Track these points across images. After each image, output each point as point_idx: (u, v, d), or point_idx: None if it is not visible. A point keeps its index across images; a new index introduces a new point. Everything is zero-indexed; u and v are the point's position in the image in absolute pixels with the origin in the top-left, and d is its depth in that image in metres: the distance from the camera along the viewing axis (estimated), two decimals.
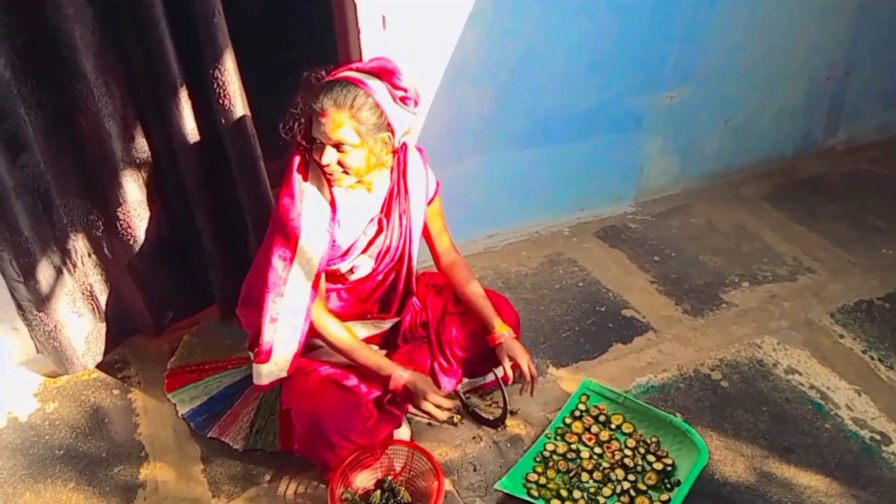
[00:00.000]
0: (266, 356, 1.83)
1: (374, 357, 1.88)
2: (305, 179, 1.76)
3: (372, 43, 2.21)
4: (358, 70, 1.70)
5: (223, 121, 2.03)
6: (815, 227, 2.95)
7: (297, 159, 1.76)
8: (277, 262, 1.76)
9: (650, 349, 2.35)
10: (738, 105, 3.10)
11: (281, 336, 1.82)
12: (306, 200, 1.75)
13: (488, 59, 2.45)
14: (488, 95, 2.53)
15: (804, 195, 3.18)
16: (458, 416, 2.10)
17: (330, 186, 1.77)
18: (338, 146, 1.67)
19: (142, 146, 2.06)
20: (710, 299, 2.57)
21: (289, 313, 1.80)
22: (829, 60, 3.20)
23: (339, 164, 1.69)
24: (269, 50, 3.32)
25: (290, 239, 1.75)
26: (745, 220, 3.02)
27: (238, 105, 2.02)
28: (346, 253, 1.84)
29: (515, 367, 1.95)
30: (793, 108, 3.27)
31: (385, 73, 1.68)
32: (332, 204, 1.78)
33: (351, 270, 1.88)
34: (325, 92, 1.64)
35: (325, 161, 1.68)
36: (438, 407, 1.84)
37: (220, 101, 2.00)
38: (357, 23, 2.17)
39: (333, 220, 1.78)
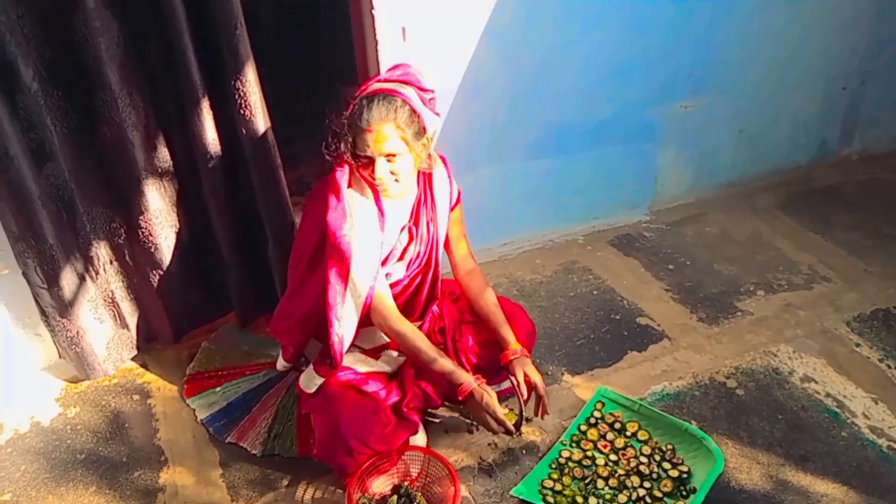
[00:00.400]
0: (339, 366, 1.89)
1: (443, 359, 1.90)
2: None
3: (390, 54, 2.24)
4: (387, 80, 1.74)
5: (244, 131, 2.06)
6: (830, 236, 2.95)
7: (345, 175, 1.79)
8: (335, 278, 1.80)
9: (665, 357, 2.35)
10: (753, 115, 3.11)
11: (345, 344, 1.88)
12: (357, 212, 1.78)
13: (504, 69, 2.48)
14: (504, 105, 2.56)
15: (819, 204, 3.18)
16: (475, 423, 2.11)
17: (377, 197, 1.80)
18: (388, 157, 1.71)
19: (164, 156, 2.10)
20: (724, 307, 2.57)
21: (348, 322, 1.85)
22: (845, 70, 3.20)
23: (391, 173, 1.73)
24: (288, 61, 3.37)
25: (343, 255, 1.78)
26: (760, 228, 3.02)
27: (259, 116, 2.06)
28: (385, 261, 1.89)
29: (528, 383, 1.96)
30: (807, 118, 3.27)
31: (412, 79, 1.73)
32: (381, 211, 1.82)
33: (386, 276, 1.92)
34: (366, 107, 1.67)
35: (379, 174, 1.72)
36: (496, 422, 1.87)
37: (242, 112, 2.03)
38: (375, 34, 2.20)
39: (383, 228, 1.83)
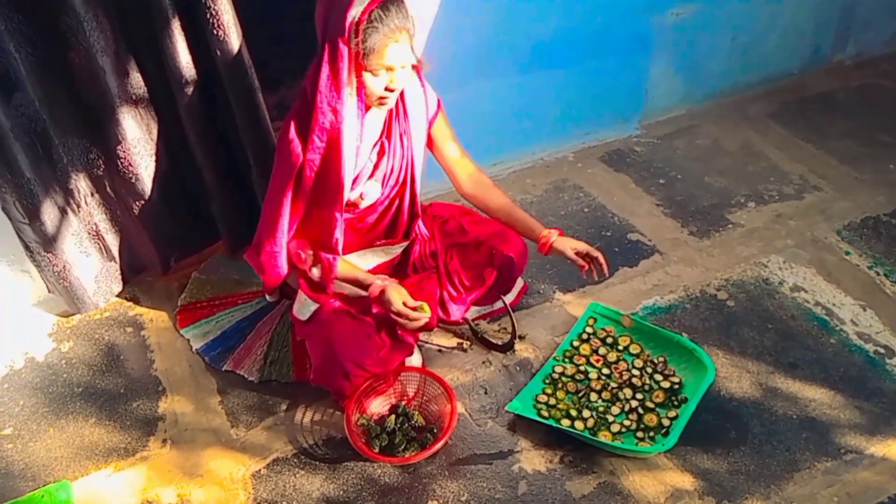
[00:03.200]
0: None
1: (354, 270, 1.88)
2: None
3: None
4: None
5: (218, 52, 1.98)
6: (821, 145, 2.92)
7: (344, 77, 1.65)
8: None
9: (656, 271, 2.36)
10: (745, 21, 3.01)
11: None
12: (347, 123, 1.69)
13: None
14: (489, 19, 2.46)
15: (812, 112, 3.13)
16: (468, 342, 2.13)
17: (362, 112, 1.71)
18: (401, 67, 1.65)
19: (137, 81, 2.02)
20: (716, 220, 2.56)
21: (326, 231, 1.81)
22: None
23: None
24: None
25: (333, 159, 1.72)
26: (752, 139, 2.98)
27: (233, 36, 1.97)
28: (356, 179, 1.83)
29: (580, 253, 1.95)
30: (801, 23, 3.17)
31: None
32: (362, 125, 1.74)
33: (360, 197, 1.87)
34: (387, 16, 1.58)
35: (398, 86, 1.66)
36: (409, 317, 1.81)
37: (215, 32, 1.94)
38: None
39: (360, 142, 1.76)
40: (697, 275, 2.34)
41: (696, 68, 3.04)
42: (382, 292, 1.82)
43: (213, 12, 1.91)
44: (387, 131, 1.84)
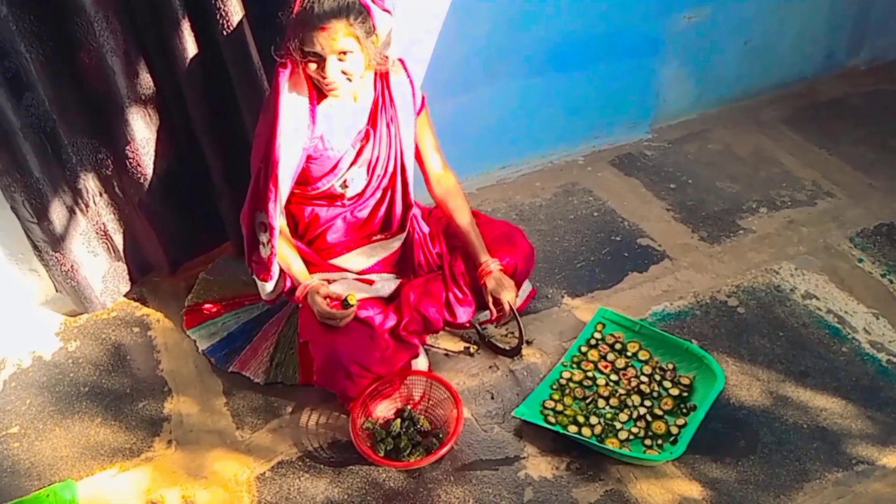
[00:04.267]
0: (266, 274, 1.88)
1: (289, 263, 1.89)
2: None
3: None
4: None
5: (227, 52, 1.98)
6: (835, 151, 2.88)
7: (286, 74, 1.72)
8: (265, 183, 1.78)
9: (666, 277, 2.34)
10: (758, 25, 2.99)
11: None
12: (284, 113, 1.73)
13: None
14: (500, 20, 2.45)
15: (825, 118, 3.09)
16: (475, 347, 2.12)
17: (312, 99, 1.75)
18: (339, 56, 1.66)
19: (146, 82, 2.02)
20: (727, 226, 2.54)
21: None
22: None
23: (342, 72, 1.68)
24: None
25: (270, 152, 1.75)
26: (764, 144, 2.96)
27: (242, 36, 1.96)
28: (335, 167, 1.83)
29: (498, 304, 1.95)
30: (815, 28, 3.14)
31: None
32: (313, 117, 1.77)
33: (345, 185, 1.87)
34: (317, 3, 1.61)
35: (330, 74, 1.67)
36: (335, 317, 1.81)
37: (224, 33, 1.94)
38: None
39: (312, 135, 1.78)
40: (708, 281, 2.32)
41: (708, 72, 3.02)
42: (306, 296, 1.84)
43: (223, 13, 1.91)
44: (372, 120, 1.85)
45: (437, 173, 2.01)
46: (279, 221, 1.84)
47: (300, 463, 1.86)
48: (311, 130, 1.78)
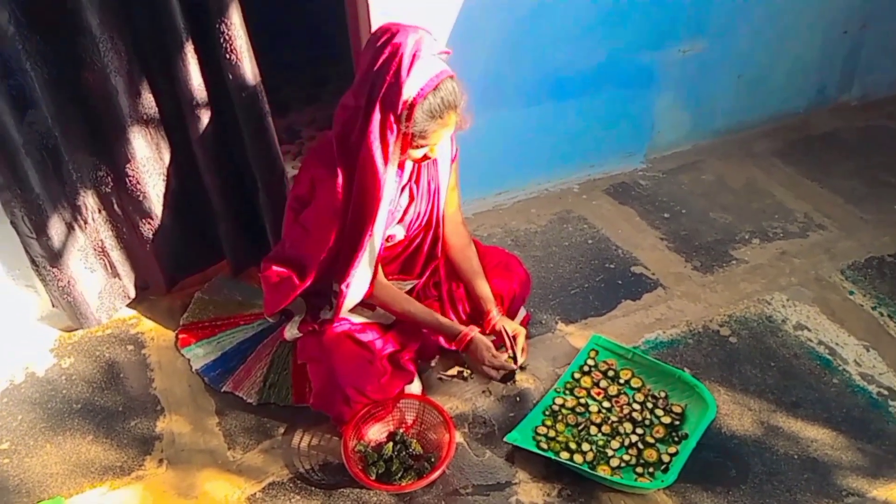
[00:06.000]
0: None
1: (433, 316, 1.94)
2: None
3: None
4: (431, 55, 1.63)
5: (230, 76, 2.01)
6: (826, 184, 2.93)
7: (378, 146, 1.66)
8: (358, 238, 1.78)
9: (659, 305, 2.36)
10: (752, 60, 3.04)
11: (352, 299, 1.87)
12: (388, 185, 1.73)
13: (497, 12, 2.41)
14: (497, 51, 2.49)
15: (817, 151, 3.14)
16: (468, 371, 2.12)
17: (402, 166, 1.77)
18: None
19: (149, 102, 2.05)
20: (719, 256, 2.56)
21: (360, 280, 1.84)
22: (845, 14, 3.12)
23: None
24: (273, 6, 3.27)
25: (368, 215, 1.74)
26: (757, 176, 3.00)
27: (245, 60, 2.00)
28: (386, 224, 1.85)
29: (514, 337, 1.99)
30: (807, 63, 3.21)
31: (442, 48, 1.68)
32: (400, 175, 1.79)
33: (387, 240, 1.90)
34: (439, 102, 1.61)
35: (436, 155, 1.74)
36: (496, 368, 1.92)
37: (227, 57, 1.97)
38: None
39: (396, 192, 1.80)
40: (700, 310, 2.34)
41: (702, 104, 3.07)
42: (474, 343, 1.89)
43: (227, 37, 1.94)
44: (415, 176, 1.87)
45: (450, 220, 2.02)
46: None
47: (291, 484, 1.85)
48: (398, 189, 1.80)
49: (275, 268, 1.88)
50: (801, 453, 1.89)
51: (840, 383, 2.08)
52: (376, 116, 1.61)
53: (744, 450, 1.90)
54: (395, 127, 1.61)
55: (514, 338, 1.98)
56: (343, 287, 1.81)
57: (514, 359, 1.96)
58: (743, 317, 2.30)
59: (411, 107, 1.59)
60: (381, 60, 1.58)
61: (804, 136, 3.24)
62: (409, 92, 1.58)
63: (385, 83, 1.58)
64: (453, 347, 1.95)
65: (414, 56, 1.57)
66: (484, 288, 2.00)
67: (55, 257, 2.11)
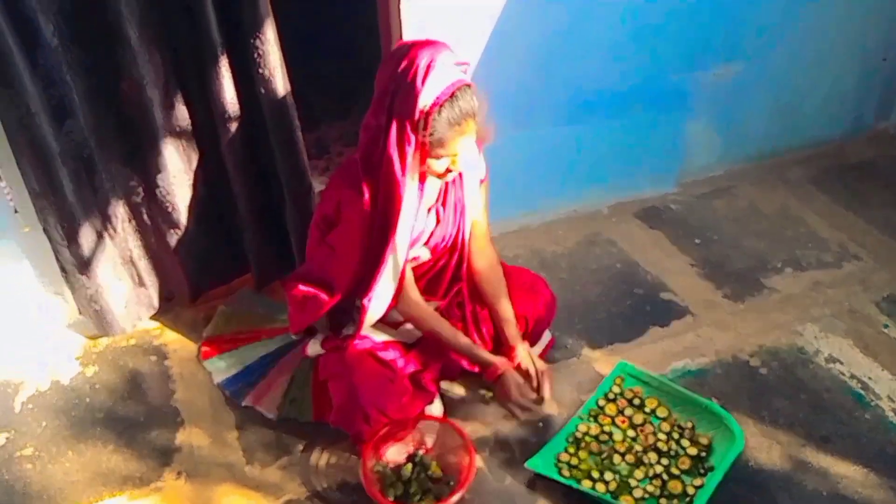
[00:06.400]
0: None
1: (467, 342, 1.92)
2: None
3: (413, 13, 2.18)
4: (448, 65, 1.63)
5: (263, 91, 2.02)
6: (862, 213, 2.86)
7: (396, 162, 1.65)
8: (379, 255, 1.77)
9: (688, 333, 2.31)
10: (788, 85, 3.00)
11: (373, 314, 1.86)
12: (408, 197, 1.72)
13: (530, 32, 2.40)
14: (530, 70, 2.49)
15: (852, 180, 3.08)
16: (491, 394, 2.09)
17: (421, 180, 1.75)
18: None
19: (182, 114, 2.07)
20: (751, 284, 2.51)
21: (381, 295, 1.82)
22: (885, 40, 3.07)
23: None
24: (308, 21, 3.30)
25: (390, 228, 1.74)
26: (791, 203, 2.94)
27: (278, 75, 2.02)
28: (411, 245, 1.84)
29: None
30: (844, 90, 3.16)
31: (460, 59, 1.67)
32: (421, 195, 1.77)
33: (412, 260, 1.89)
34: (456, 110, 1.61)
35: (459, 168, 1.71)
36: (522, 408, 1.90)
37: (261, 71, 1.99)
38: None
39: (418, 211, 1.79)
40: (730, 339, 2.29)
41: (736, 129, 3.03)
42: (506, 378, 1.88)
43: (261, 52, 1.96)
44: (442, 198, 1.86)
45: (477, 242, 2.01)
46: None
47: (308, 503, 1.83)
48: (418, 208, 1.78)
49: (301, 287, 1.88)
50: (831, 490, 1.84)
51: (872, 419, 2.02)
52: (394, 127, 1.61)
53: (771, 484, 1.85)
54: (412, 137, 1.61)
55: (542, 375, 1.96)
56: (365, 302, 1.80)
57: (541, 398, 1.94)
58: (774, 347, 2.25)
59: (427, 115, 1.59)
60: (398, 73, 1.59)
61: (840, 164, 3.18)
62: (424, 101, 1.58)
63: (401, 94, 1.59)
64: (482, 375, 1.93)
65: (429, 66, 1.58)
66: (508, 311, 1.98)
67: (85, 265, 2.13)
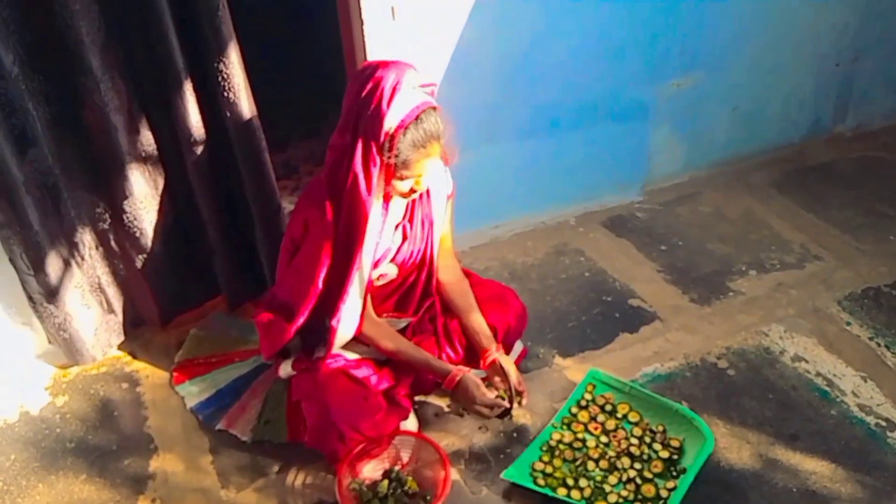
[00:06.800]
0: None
1: (423, 354, 1.93)
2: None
3: (377, 34, 2.21)
4: (413, 87, 1.65)
5: (228, 113, 2.04)
6: (823, 215, 2.94)
7: (361, 180, 1.66)
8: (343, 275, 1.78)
9: (657, 338, 2.35)
10: (746, 92, 3.08)
11: (343, 334, 1.86)
12: (372, 217, 1.73)
13: (494, 49, 2.44)
14: (494, 85, 2.52)
15: (813, 182, 3.16)
16: (447, 404, 2.10)
17: (387, 199, 1.76)
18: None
19: (147, 139, 2.07)
20: (717, 288, 2.56)
21: (349, 314, 1.83)
22: (838, 46, 3.17)
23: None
24: (273, 43, 3.32)
25: (355, 247, 1.74)
26: (754, 207, 3.01)
27: (243, 98, 2.03)
28: (378, 262, 1.86)
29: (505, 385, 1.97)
30: (801, 95, 3.24)
31: (425, 81, 1.69)
32: (385, 213, 1.79)
33: (379, 277, 1.91)
34: (421, 133, 1.62)
35: (423, 188, 1.73)
36: (487, 406, 1.89)
37: (225, 94, 2.00)
38: (361, 14, 2.16)
39: (382, 230, 1.80)
40: (698, 342, 2.33)
41: (698, 137, 3.09)
42: (464, 384, 1.87)
43: (225, 75, 1.97)
44: (409, 214, 1.87)
45: (444, 259, 2.02)
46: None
47: None
48: (382, 227, 1.79)
49: (266, 313, 1.89)
50: (800, 486, 1.87)
51: (838, 415, 2.06)
52: (359, 147, 1.63)
53: (742, 483, 1.88)
54: (377, 158, 1.63)
55: (519, 377, 1.97)
56: (334, 323, 1.80)
57: (510, 397, 1.95)
58: (741, 349, 2.29)
59: (392, 137, 1.61)
60: (363, 94, 1.61)
61: (800, 168, 3.26)
62: (390, 123, 1.60)
63: (367, 115, 1.60)
64: (442, 386, 1.94)
65: (394, 88, 1.60)
66: (480, 322, 2.00)
67: (52, 294, 2.11)
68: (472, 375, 1.90)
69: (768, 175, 3.21)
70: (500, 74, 2.51)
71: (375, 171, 1.65)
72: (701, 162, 3.18)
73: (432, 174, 1.74)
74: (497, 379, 1.99)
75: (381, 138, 1.61)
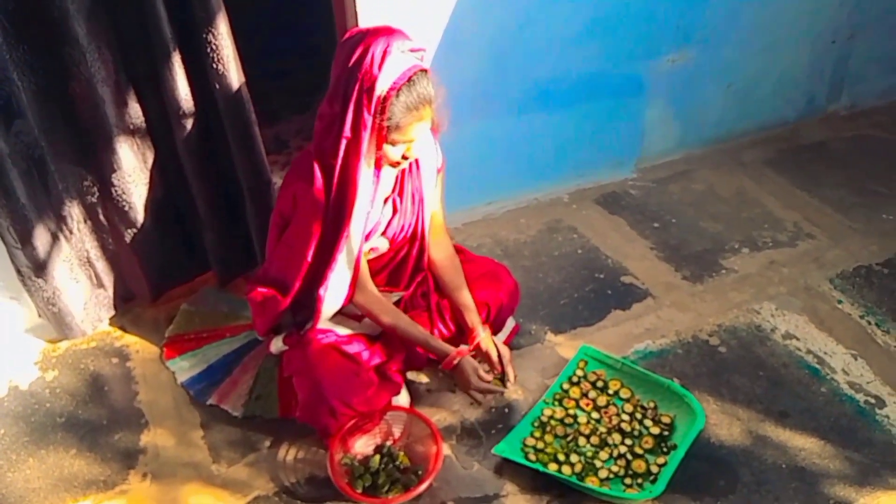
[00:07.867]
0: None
1: (423, 333, 1.92)
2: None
3: (369, 6, 2.17)
4: (403, 52, 1.62)
5: (217, 86, 2.00)
6: (816, 193, 2.93)
7: (364, 147, 1.65)
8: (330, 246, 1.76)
9: (649, 315, 2.35)
10: (741, 69, 3.06)
11: (331, 304, 1.85)
12: (363, 184, 1.71)
13: (487, 23, 2.41)
14: (487, 61, 2.50)
15: (806, 161, 3.15)
16: (427, 381, 2.11)
17: (378, 169, 1.74)
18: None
19: (135, 112, 2.04)
20: (709, 265, 2.56)
21: (337, 283, 1.81)
22: (834, 23, 3.14)
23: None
24: (263, 15, 3.27)
25: (345, 214, 1.73)
26: (746, 185, 3.00)
27: (232, 70, 2.00)
28: (368, 236, 1.84)
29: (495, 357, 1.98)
30: (796, 73, 3.23)
31: (416, 45, 1.66)
32: (377, 181, 1.76)
33: (370, 252, 1.89)
34: (413, 95, 1.60)
35: (415, 155, 1.71)
36: (482, 391, 1.91)
37: (214, 66, 1.97)
38: None
39: (373, 199, 1.78)
40: (690, 320, 2.33)
41: (692, 114, 3.08)
42: (461, 366, 1.88)
43: (214, 46, 1.94)
44: (399, 188, 1.85)
45: (435, 233, 2.01)
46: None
47: (276, 498, 1.83)
48: (373, 196, 1.77)
49: (259, 289, 1.88)
50: (790, 462, 1.89)
51: (828, 392, 2.08)
52: (350, 112, 1.61)
53: (732, 459, 1.90)
54: (368, 121, 1.61)
55: (504, 358, 1.97)
56: (321, 291, 1.79)
57: (503, 380, 1.95)
58: (732, 326, 2.30)
59: (385, 100, 1.59)
60: (353, 60, 1.58)
61: (794, 146, 3.26)
62: (382, 86, 1.58)
63: (357, 80, 1.58)
64: (440, 366, 1.94)
65: (385, 52, 1.57)
66: (468, 299, 1.99)
67: (40, 268, 2.09)
68: (471, 359, 1.91)
69: (761, 153, 3.21)
70: (493, 49, 2.48)
71: (366, 135, 1.63)
72: (694, 140, 3.17)
73: (423, 142, 1.72)
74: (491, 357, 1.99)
75: (374, 102, 1.59)
